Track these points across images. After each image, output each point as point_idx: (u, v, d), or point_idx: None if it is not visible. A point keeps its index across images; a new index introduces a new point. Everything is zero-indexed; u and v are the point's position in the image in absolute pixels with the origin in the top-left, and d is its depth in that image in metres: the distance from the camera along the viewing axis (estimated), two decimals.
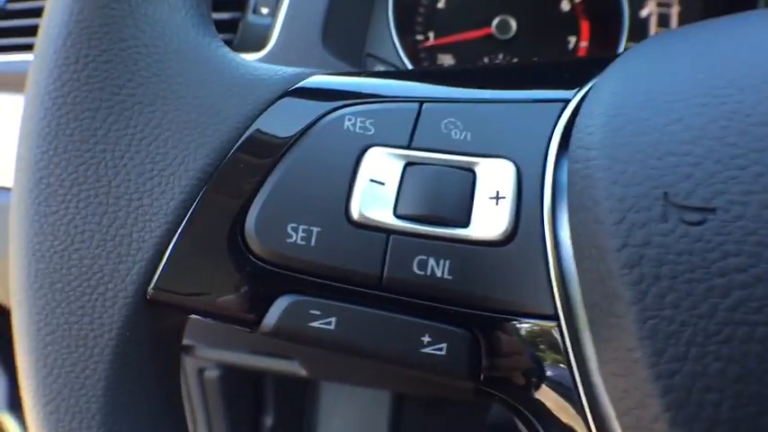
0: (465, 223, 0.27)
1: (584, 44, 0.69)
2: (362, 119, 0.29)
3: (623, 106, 0.25)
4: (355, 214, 0.27)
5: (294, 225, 0.27)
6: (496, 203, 0.27)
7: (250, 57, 0.55)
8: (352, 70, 0.52)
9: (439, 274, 0.27)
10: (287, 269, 0.28)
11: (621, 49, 0.66)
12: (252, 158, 0.28)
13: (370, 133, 0.28)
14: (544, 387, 0.26)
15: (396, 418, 0.72)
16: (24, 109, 0.29)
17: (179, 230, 0.28)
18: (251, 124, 0.29)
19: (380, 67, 0.62)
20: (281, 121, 0.29)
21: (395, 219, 0.27)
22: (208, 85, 0.29)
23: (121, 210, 0.28)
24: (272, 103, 0.29)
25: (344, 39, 0.58)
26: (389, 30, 0.63)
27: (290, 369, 0.61)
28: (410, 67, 0.63)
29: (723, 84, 0.24)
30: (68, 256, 0.28)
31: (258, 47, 0.56)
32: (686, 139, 0.23)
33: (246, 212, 0.28)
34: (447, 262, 0.27)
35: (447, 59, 0.68)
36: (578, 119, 0.27)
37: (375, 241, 0.27)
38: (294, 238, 0.27)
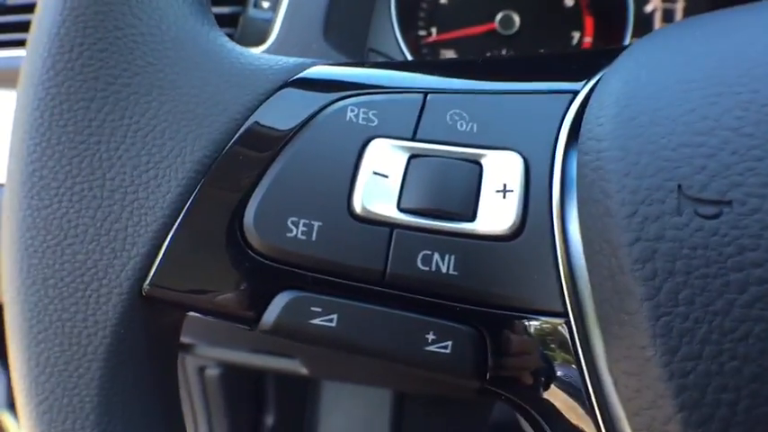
0: (471, 217, 0.27)
1: (588, 40, 0.69)
2: (365, 110, 0.28)
3: (635, 96, 0.25)
4: (358, 208, 0.27)
5: (294, 219, 0.27)
6: (503, 197, 0.26)
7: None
8: (354, 60, 0.52)
9: (444, 269, 0.26)
10: (287, 264, 0.27)
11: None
12: (251, 151, 0.28)
13: (373, 125, 0.28)
14: (552, 386, 0.26)
15: (397, 416, 0.72)
16: (17, 99, 0.29)
17: (176, 225, 0.27)
18: (250, 115, 0.28)
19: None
20: (281, 113, 0.28)
21: (398, 212, 0.27)
22: (206, 75, 0.28)
23: (116, 203, 0.27)
24: (273, 93, 0.29)
25: (346, 33, 0.58)
26: (392, 24, 0.63)
27: (291, 368, 0.62)
28: None
29: (738, 73, 0.24)
30: (61, 251, 0.27)
31: (259, 41, 0.56)
32: (701, 130, 0.23)
33: (245, 206, 0.27)
34: (452, 257, 0.26)
35: (449, 55, 0.68)
36: (588, 110, 0.26)
37: (378, 236, 0.27)
38: (294, 232, 0.27)
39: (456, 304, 0.26)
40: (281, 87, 0.29)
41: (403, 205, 0.27)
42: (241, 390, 0.75)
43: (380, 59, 0.62)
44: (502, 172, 0.27)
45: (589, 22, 0.68)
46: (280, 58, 0.30)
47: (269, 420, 0.77)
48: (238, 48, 0.30)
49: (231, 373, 0.73)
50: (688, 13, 0.68)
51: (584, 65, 0.30)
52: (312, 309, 0.27)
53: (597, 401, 0.24)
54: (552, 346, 0.25)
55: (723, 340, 0.21)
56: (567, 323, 0.25)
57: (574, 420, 0.25)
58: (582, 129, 0.26)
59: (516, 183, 0.26)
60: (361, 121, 0.28)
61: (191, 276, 0.27)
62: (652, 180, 0.23)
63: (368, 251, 0.27)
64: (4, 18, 0.65)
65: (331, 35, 0.55)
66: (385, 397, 0.72)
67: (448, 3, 0.68)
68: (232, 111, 0.28)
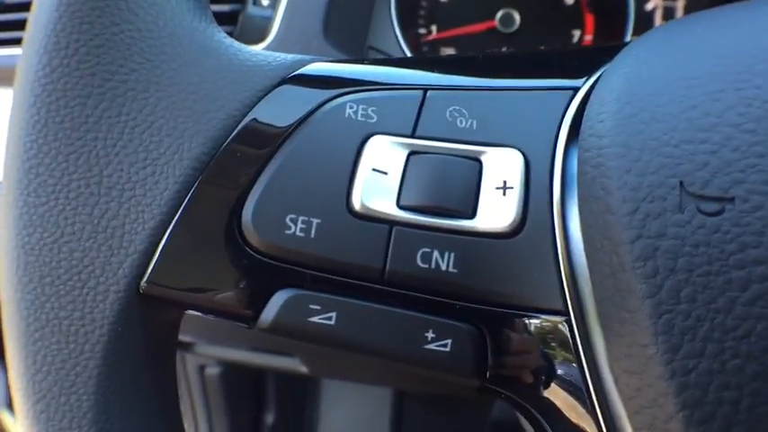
0: (471, 214, 0.26)
1: (588, 38, 0.68)
2: (364, 106, 0.28)
3: (636, 93, 0.24)
4: (357, 205, 0.27)
5: (293, 216, 0.27)
6: (504, 194, 0.26)
7: None
8: (353, 57, 0.52)
9: (443, 267, 0.26)
10: (285, 262, 0.27)
11: None
12: (249, 147, 0.28)
13: (372, 121, 0.28)
14: (553, 385, 0.26)
15: (398, 415, 0.72)
16: (13, 96, 0.29)
17: (173, 222, 0.27)
18: (248, 112, 0.28)
19: None
20: (279, 109, 0.28)
21: (398, 209, 0.27)
22: (203, 72, 0.28)
23: (113, 200, 0.27)
24: (271, 90, 0.29)
25: (346, 31, 0.57)
26: (392, 22, 0.63)
27: (291, 366, 0.61)
28: None
29: (740, 69, 0.24)
30: (58, 248, 0.27)
31: (259, 39, 0.55)
32: (703, 126, 0.23)
33: (244, 203, 0.27)
34: (452, 255, 0.26)
35: (450, 53, 0.68)
36: (589, 106, 0.26)
37: (377, 233, 0.26)
38: (293, 229, 0.27)
39: (456, 302, 0.26)
40: (279, 84, 0.29)
41: (402, 202, 0.27)
42: (241, 388, 0.75)
43: (380, 57, 0.62)
44: (502, 169, 0.27)
45: (589, 20, 0.68)
46: (278, 54, 0.30)
47: (269, 419, 0.77)
48: (236, 44, 0.30)
49: (231, 371, 0.72)
50: (689, 10, 0.68)
51: (585, 61, 0.29)
52: (311, 306, 0.26)
53: (598, 400, 0.24)
54: (553, 344, 0.25)
55: (725, 338, 0.21)
56: (568, 321, 0.25)
57: (574, 419, 0.25)
58: (582, 125, 0.26)
59: (516, 180, 0.26)
60: (360, 118, 0.28)
61: (188, 274, 0.27)
62: (653, 177, 0.22)
63: (367, 248, 0.26)
64: (3, 16, 0.64)
65: (331, 33, 0.54)
66: (385, 395, 0.72)
67: (448, 0, 0.68)
68: (230, 107, 0.28)
